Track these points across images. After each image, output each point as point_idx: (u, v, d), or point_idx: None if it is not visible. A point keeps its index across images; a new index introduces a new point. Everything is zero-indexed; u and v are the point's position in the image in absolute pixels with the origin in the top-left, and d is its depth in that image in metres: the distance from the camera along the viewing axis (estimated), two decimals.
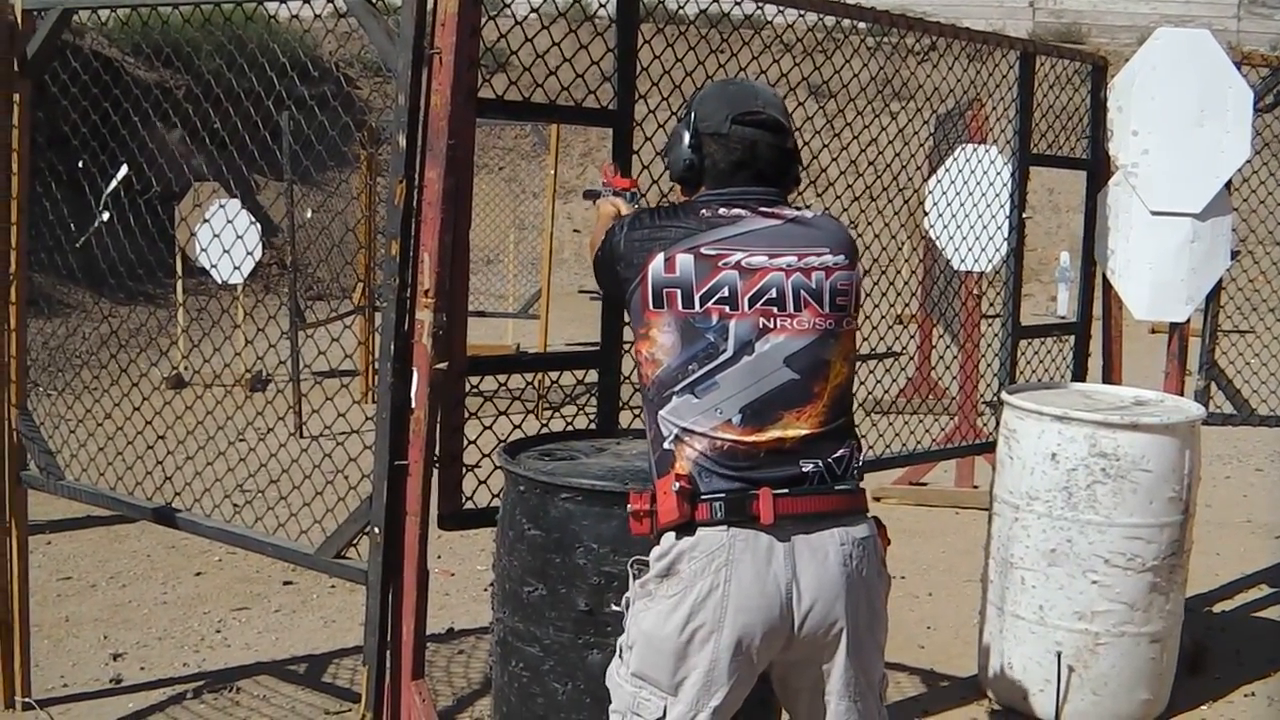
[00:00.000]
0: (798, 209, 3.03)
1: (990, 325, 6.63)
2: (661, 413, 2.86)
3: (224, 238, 5.67)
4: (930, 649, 5.70)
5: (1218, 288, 5.86)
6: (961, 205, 5.56)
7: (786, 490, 2.81)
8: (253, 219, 7.38)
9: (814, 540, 2.82)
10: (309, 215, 13.73)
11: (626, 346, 4.15)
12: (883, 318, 5.20)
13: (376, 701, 3.68)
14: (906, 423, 5.32)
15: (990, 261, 5.77)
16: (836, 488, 2.87)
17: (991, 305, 6.69)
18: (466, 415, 3.80)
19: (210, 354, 5.55)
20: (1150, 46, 5.57)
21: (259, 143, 4.62)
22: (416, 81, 3.51)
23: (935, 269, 8.30)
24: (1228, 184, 5.58)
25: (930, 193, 6.95)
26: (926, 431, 5.49)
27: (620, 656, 2.95)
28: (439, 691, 5.04)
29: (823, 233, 2.98)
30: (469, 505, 3.85)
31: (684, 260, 2.86)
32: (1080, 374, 5.93)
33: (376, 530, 3.59)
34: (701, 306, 2.85)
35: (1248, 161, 5.62)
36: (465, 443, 3.79)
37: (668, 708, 2.83)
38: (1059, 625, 4.80)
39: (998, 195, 5.59)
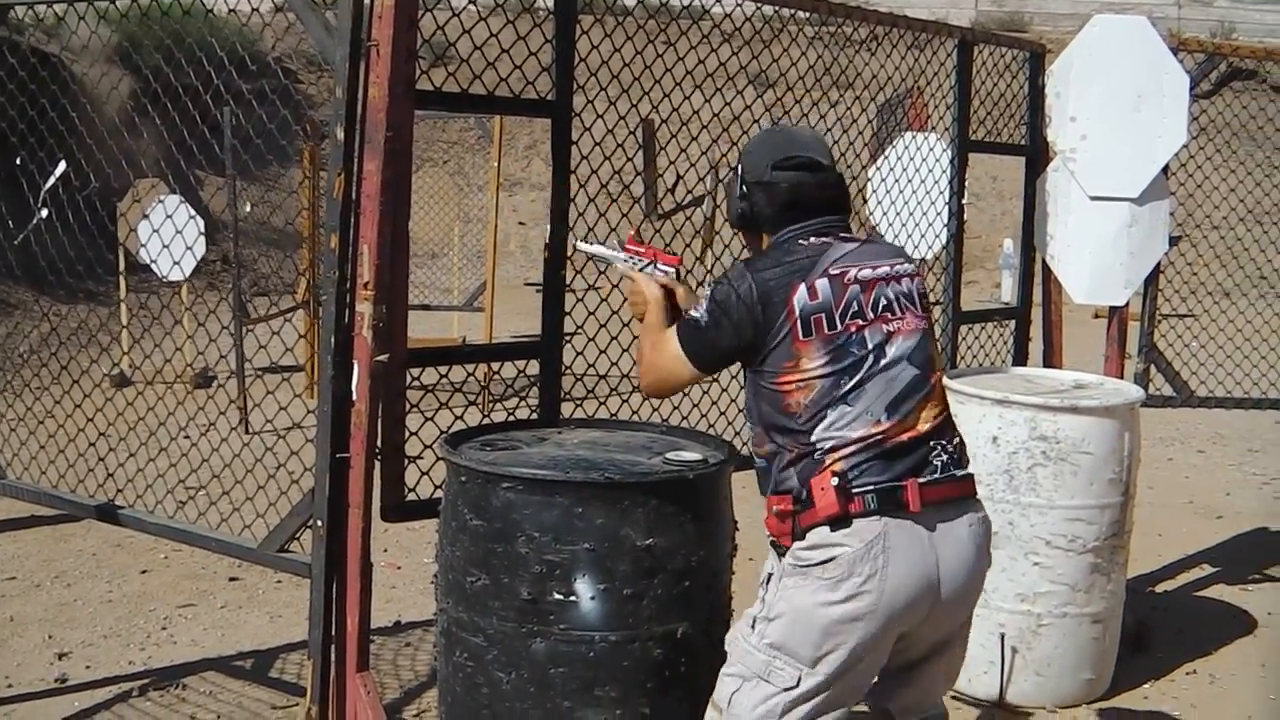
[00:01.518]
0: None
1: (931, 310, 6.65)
2: (818, 429, 3.03)
3: (164, 233, 5.62)
4: None
5: (1156, 271, 5.92)
6: (901, 192, 5.60)
7: (925, 480, 3.03)
8: (193, 214, 7.33)
9: (952, 524, 3.07)
10: (248, 209, 13.64)
11: (568, 337, 4.18)
12: None
13: (322, 695, 3.68)
14: None
15: (930, 248, 5.80)
16: (958, 474, 3.12)
17: (932, 291, 6.72)
18: (409, 407, 3.80)
19: (152, 350, 5.51)
20: (1087, 33, 5.61)
21: (198, 138, 4.60)
22: (354, 74, 3.51)
23: None
24: (1165, 168, 5.63)
25: (870, 180, 6.98)
26: None
27: (752, 626, 3.10)
28: (386, 684, 5.04)
29: (890, 247, 3.31)
30: (412, 497, 3.85)
31: (822, 284, 3.06)
32: (1021, 358, 5.98)
33: (319, 523, 3.59)
34: (842, 324, 3.06)
35: (1185, 146, 5.68)
36: (407, 434, 3.79)
37: (802, 678, 3.01)
38: (1001, 607, 4.85)
39: (937, 182, 5.63)
